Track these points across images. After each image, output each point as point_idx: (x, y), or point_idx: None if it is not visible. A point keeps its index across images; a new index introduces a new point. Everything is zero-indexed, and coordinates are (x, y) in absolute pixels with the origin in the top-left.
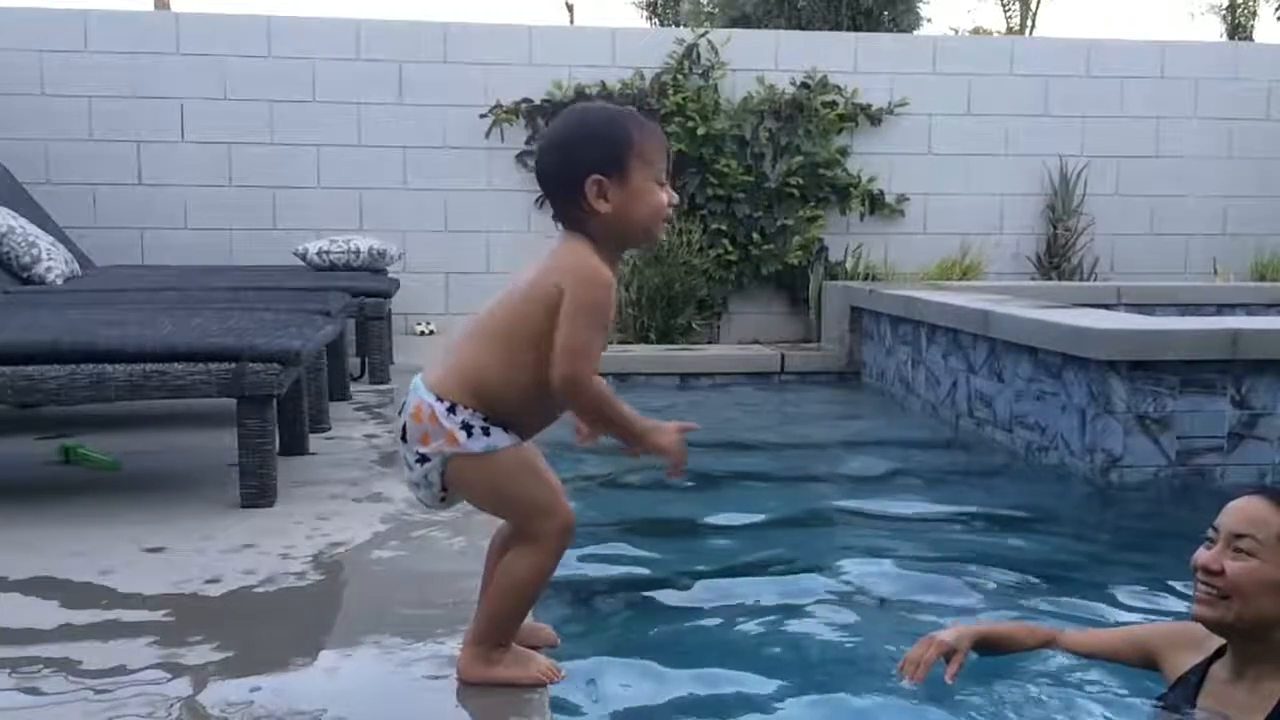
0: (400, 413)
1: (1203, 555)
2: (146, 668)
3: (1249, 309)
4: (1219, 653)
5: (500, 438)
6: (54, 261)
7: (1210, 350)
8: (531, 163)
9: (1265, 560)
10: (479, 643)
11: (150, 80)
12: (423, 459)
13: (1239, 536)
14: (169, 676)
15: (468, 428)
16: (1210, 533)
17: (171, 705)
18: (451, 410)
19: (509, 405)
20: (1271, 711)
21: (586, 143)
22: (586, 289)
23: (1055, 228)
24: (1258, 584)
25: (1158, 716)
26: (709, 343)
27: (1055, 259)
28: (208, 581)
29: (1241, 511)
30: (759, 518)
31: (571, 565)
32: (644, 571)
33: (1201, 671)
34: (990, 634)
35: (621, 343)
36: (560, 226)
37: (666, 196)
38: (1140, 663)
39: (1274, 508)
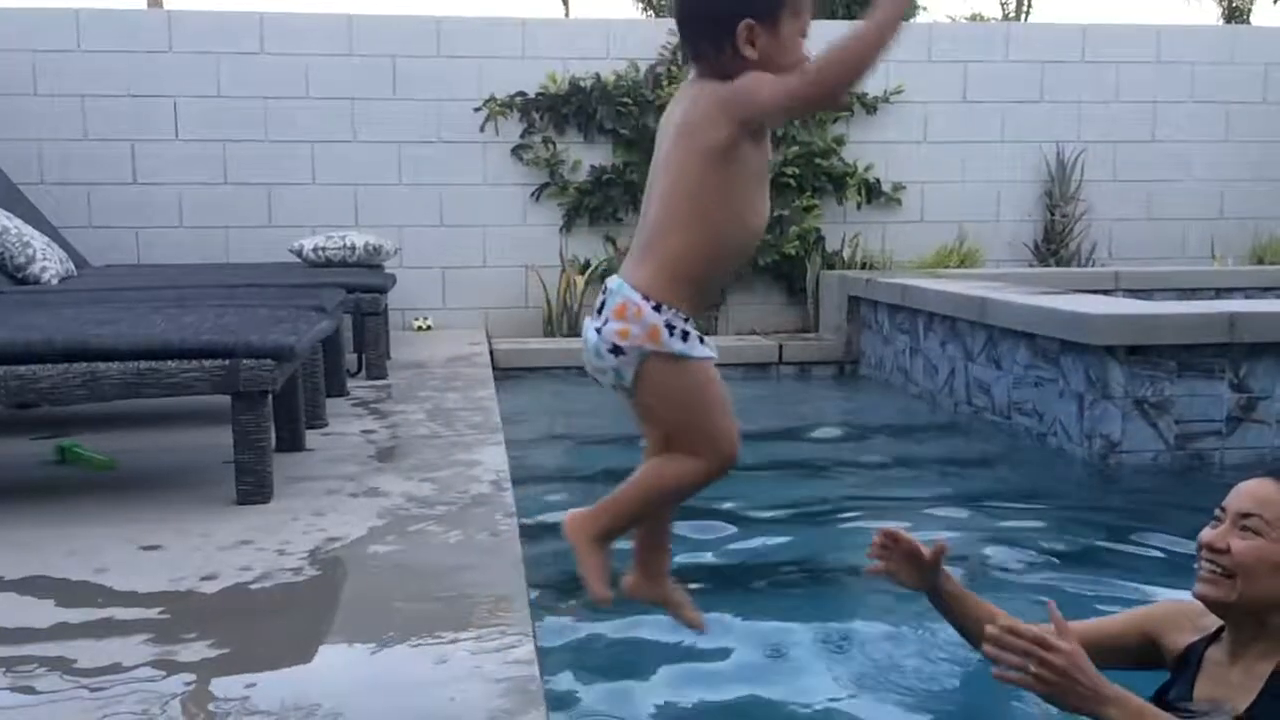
0: (599, 309)
1: (1208, 533)
2: (141, 665)
3: (1247, 293)
4: (1215, 636)
5: (697, 347)
6: (49, 261)
7: (1208, 334)
8: (527, 156)
9: (1271, 539)
10: (592, 519)
11: (143, 79)
12: (617, 350)
13: (1246, 515)
14: (164, 674)
15: (670, 327)
16: (1217, 513)
17: (166, 702)
18: (657, 308)
19: (715, 273)
20: (1260, 691)
21: None
22: (740, 81)
23: (1052, 214)
24: (1263, 563)
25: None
26: (707, 334)
27: (1053, 245)
28: (203, 579)
29: (1250, 492)
30: (756, 506)
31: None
32: None
33: (1199, 654)
34: (954, 586)
35: None
36: (691, 71)
37: (804, 49)
38: (1139, 647)
39: (1278, 485)
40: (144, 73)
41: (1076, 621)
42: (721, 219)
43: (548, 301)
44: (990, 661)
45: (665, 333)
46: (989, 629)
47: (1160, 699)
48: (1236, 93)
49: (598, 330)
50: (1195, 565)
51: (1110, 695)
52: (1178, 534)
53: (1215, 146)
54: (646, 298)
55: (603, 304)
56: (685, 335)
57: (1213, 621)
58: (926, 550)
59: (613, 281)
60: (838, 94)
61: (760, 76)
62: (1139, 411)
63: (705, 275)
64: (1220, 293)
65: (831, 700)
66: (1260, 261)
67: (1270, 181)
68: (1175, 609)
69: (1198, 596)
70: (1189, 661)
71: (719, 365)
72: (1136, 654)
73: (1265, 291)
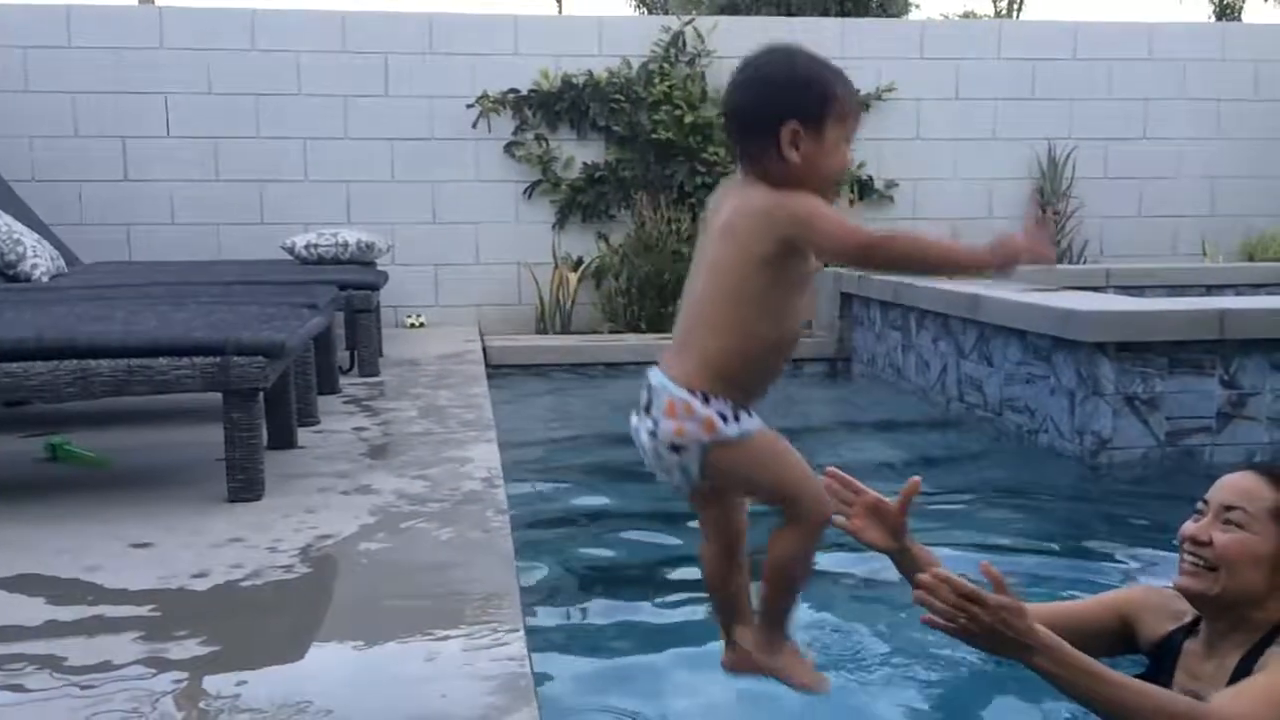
0: (646, 409)
1: (1191, 526)
2: (132, 663)
3: (1238, 289)
4: (1193, 627)
5: (750, 422)
6: (39, 259)
7: (1198, 331)
8: (519, 153)
9: (1254, 533)
10: (763, 631)
11: (134, 75)
12: (677, 448)
13: (1229, 508)
14: (154, 672)
15: (723, 415)
16: (1200, 505)
17: (156, 700)
18: (705, 400)
19: (756, 371)
20: (1227, 683)
21: (791, 87)
22: (795, 201)
23: (1044, 211)
24: (1245, 556)
25: None
26: None
27: None
28: (194, 576)
29: (1233, 485)
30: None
31: (564, 553)
32: (632, 559)
33: (1177, 645)
34: (920, 550)
35: (612, 332)
36: (739, 169)
37: (848, 159)
38: (1117, 630)
39: (1266, 483)
40: (135, 69)
41: (1054, 603)
42: (759, 325)
43: (540, 299)
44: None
45: (719, 422)
46: (920, 576)
47: None
48: (1227, 90)
49: (652, 432)
50: (1179, 557)
51: (1038, 644)
52: (1167, 529)
53: (1206, 144)
54: (693, 391)
55: (648, 403)
56: (738, 415)
57: (1187, 609)
58: (891, 502)
59: (654, 377)
60: (877, 268)
61: (816, 208)
62: (1130, 408)
63: (745, 375)
64: (1211, 289)
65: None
66: (1251, 258)
67: (1261, 179)
68: (1151, 595)
69: (1179, 589)
70: (1167, 652)
71: None
72: (1114, 637)
73: (1256, 288)
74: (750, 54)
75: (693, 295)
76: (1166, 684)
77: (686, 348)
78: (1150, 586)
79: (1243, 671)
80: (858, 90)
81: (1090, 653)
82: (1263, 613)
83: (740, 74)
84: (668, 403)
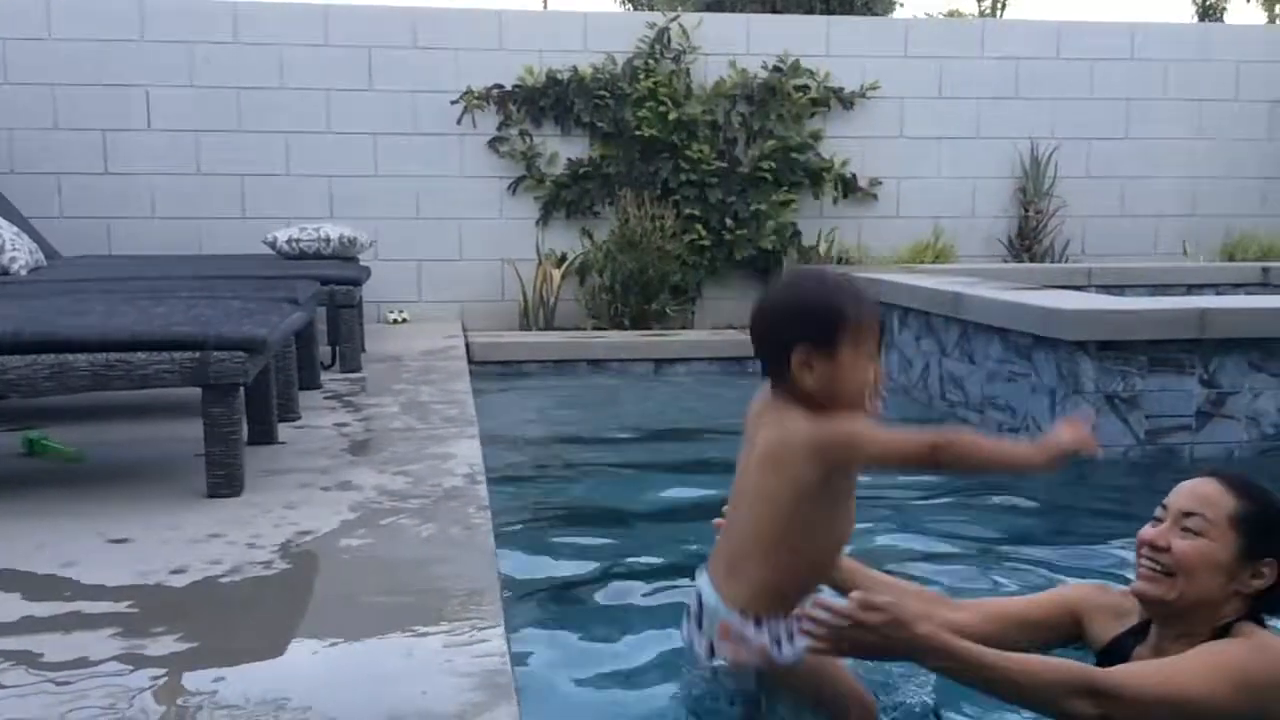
0: (696, 620)
1: (1149, 531)
2: (109, 659)
3: (1218, 289)
4: (1142, 631)
5: (802, 644)
6: (18, 252)
7: (1178, 330)
8: (504, 149)
9: (1212, 540)
10: None
11: (115, 67)
12: (733, 670)
13: (1188, 515)
14: (131, 668)
15: (777, 641)
16: (1159, 511)
17: (134, 696)
18: (758, 623)
19: (808, 582)
20: None
21: (799, 314)
22: (836, 429)
23: (1027, 210)
24: (1203, 563)
25: None
26: (683, 328)
27: (1027, 241)
28: (173, 572)
29: (1192, 491)
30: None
31: (546, 550)
32: (615, 556)
33: (1128, 650)
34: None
35: (596, 329)
36: (770, 383)
37: (874, 373)
38: (1069, 627)
39: (1225, 489)
40: (116, 61)
41: (1004, 599)
42: (811, 545)
43: (524, 295)
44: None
45: (774, 649)
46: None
47: None
48: (1209, 90)
49: (709, 652)
50: (1136, 562)
51: (927, 648)
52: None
53: (1187, 144)
54: (745, 613)
55: (699, 615)
56: (792, 637)
57: (1135, 610)
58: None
59: (705, 592)
60: (936, 469)
61: (858, 433)
62: (1110, 406)
63: (797, 590)
64: (1191, 289)
65: None
66: (1231, 258)
67: (1241, 179)
68: (1101, 594)
69: (1136, 593)
70: (1116, 656)
71: (694, 359)
72: (1065, 633)
73: (1236, 287)
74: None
75: (740, 522)
76: None
77: (737, 573)
78: (1102, 585)
79: None
80: (877, 304)
81: (1040, 648)
82: (1214, 619)
83: (759, 300)
84: (722, 626)
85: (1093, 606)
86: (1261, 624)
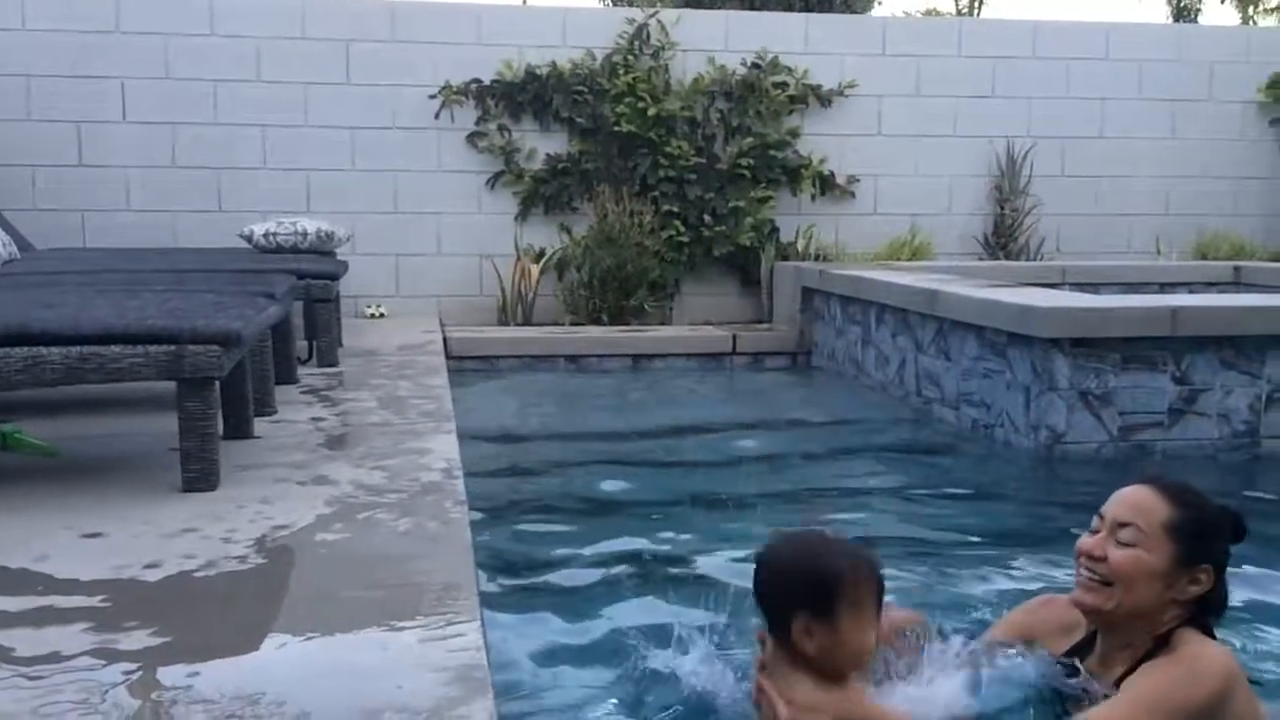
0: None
1: (1086, 542)
2: (81, 654)
3: (1191, 287)
4: (1090, 642)
5: None
6: None
7: (1151, 328)
8: (482, 144)
9: (1148, 549)
10: None
11: (90, 59)
12: None
13: (1123, 525)
14: (104, 663)
15: None
16: (1096, 520)
17: (106, 691)
18: None
19: None
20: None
21: (798, 583)
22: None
23: (1002, 208)
24: (1139, 573)
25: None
26: (661, 324)
27: (1002, 239)
28: (146, 566)
29: (1127, 500)
30: (708, 498)
31: (523, 545)
32: (591, 551)
33: (1075, 663)
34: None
35: (574, 324)
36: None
37: (873, 637)
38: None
39: (1160, 497)
40: (91, 52)
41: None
42: None
43: (502, 290)
44: None
45: None
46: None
47: None
48: (1183, 91)
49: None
50: (1075, 572)
51: None
52: None
53: (1161, 143)
54: None
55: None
56: None
57: (1080, 621)
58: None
59: None
60: None
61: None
62: (1083, 403)
63: None
64: (1164, 287)
65: None
66: (1204, 257)
67: (1214, 178)
68: (1045, 609)
69: (1076, 603)
70: (1069, 671)
71: (672, 355)
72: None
73: (1209, 286)
74: (772, 541)
75: None
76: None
77: None
78: (1046, 598)
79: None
80: (879, 568)
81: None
82: (1154, 627)
83: (760, 559)
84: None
85: (1041, 626)
86: (1206, 629)
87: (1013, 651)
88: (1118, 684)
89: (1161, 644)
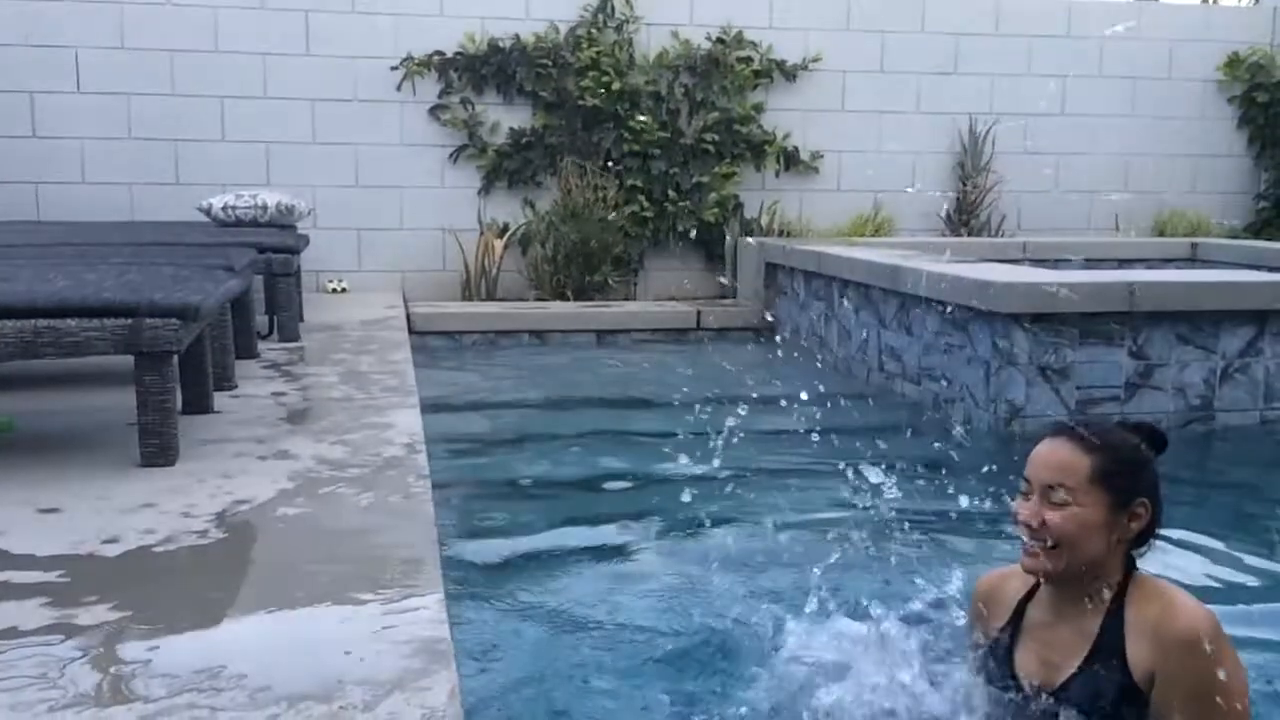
0: None
1: (1022, 510)
2: (39, 629)
3: (1149, 263)
4: (1030, 595)
5: None
6: None
7: (1108, 303)
8: (445, 117)
9: (1082, 505)
10: None
11: (42, 28)
12: None
13: (1051, 488)
14: (62, 637)
15: None
16: (1024, 485)
17: (65, 666)
18: None
19: None
20: (1090, 650)
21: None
22: None
23: (965, 185)
24: (1081, 529)
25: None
26: (626, 300)
27: (965, 215)
28: (105, 542)
29: (1047, 461)
30: (670, 473)
31: (485, 519)
32: (553, 524)
33: (1018, 615)
34: None
35: (538, 299)
36: None
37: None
38: (987, 627)
39: (1077, 449)
40: (43, 21)
41: None
42: None
43: (466, 265)
44: None
45: None
46: None
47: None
48: (1143, 69)
49: None
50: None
51: None
52: None
53: (1121, 121)
54: None
55: None
56: None
57: (1019, 583)
58: None
59: None
60: None
61: None
62: (1042, 377)
63: None
64: (1123, 263)
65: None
66: (1161, 233)
67: (1173, 156)
68: (986, 585)
69: (1028, 570)
70: (1017, 625)
71: (636, 331)
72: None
73: (1166, 262)
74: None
75: None
76: (1005, 657)
77: None
78: (988, 574)
79: (1110, 637)
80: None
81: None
82: (1107, 571)
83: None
84: None
85: (989, 600)
86: (1131, 561)
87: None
88: (1104, 635)
89: (1120, 595)
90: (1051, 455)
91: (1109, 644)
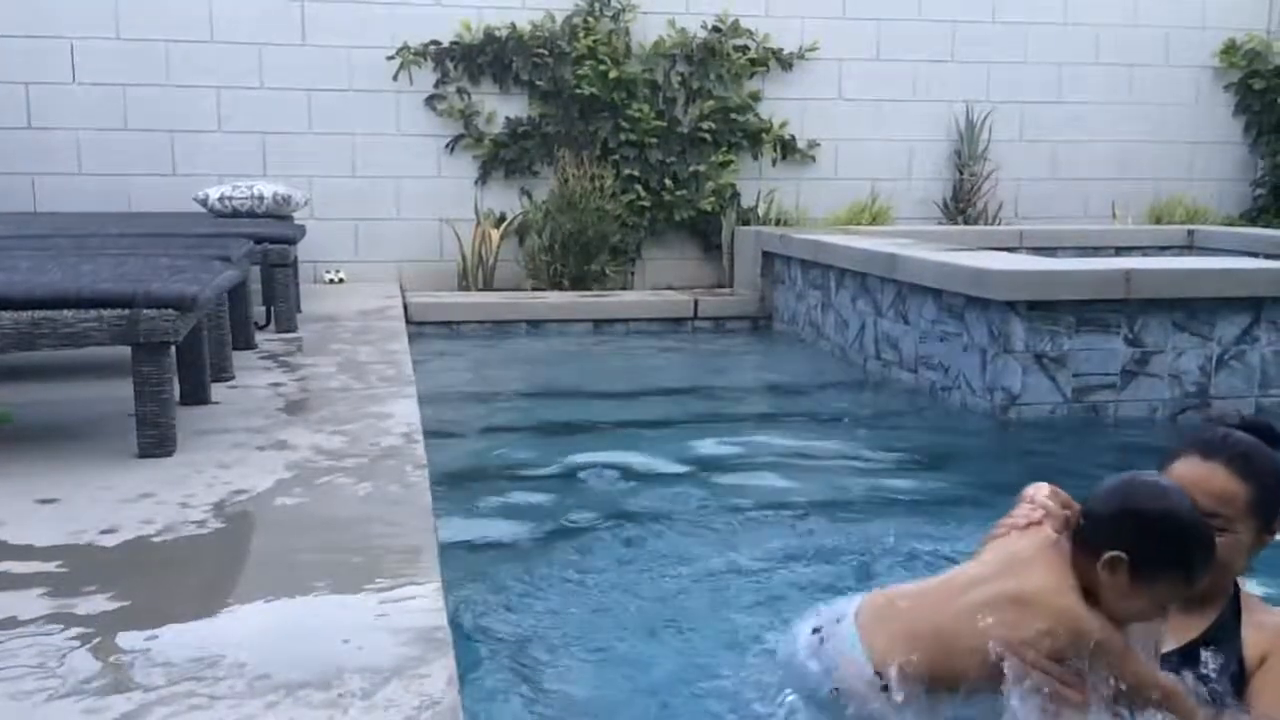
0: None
1: None
2: (38, 619)
3: (1145, 251)
4: None
5: None
6: None
7: (1104, 290)
8: (441, 107)
9: (1237, 531)
10: None
11: (37, 18)
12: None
13: (1210, 515)
14: (61, 627)
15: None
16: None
17: (64, 655)
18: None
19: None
20: (1209, 626)
21: (1156, 531)
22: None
23: (961, 173)
24: (1234, 553)
25: None
26: (623, 289)
27: (961, 204)
28: (103, 532)
29: (1206, 489)
30: (667, 462)
31: (483, 508)
32: (550, 514)
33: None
34: None
35: (535, 289)
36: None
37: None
38: None
39: (1233, 477)
40: (37, 12)
41: None
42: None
43: (463, 255)
44: None
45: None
46: None
47: None
48: (1139, 56)
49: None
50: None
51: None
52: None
53: (1118, 108)
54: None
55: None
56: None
57: None
58: None
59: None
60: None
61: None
62: (1038, 365)
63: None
64: (1120, 251)
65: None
66: (1158, 221)
67: (1169, 143)
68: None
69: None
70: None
71: (633, 320)
72: None
73: (1163, 250)
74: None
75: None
76: None
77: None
78: None
79: (1230, 618)
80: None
81: None
82: (1232, 576)
83: (1133, 486)
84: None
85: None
86: None
87: None
88: (1191, 646)
89: (1234, 603)
90: (1208, 482)
91: (1229, 625)
